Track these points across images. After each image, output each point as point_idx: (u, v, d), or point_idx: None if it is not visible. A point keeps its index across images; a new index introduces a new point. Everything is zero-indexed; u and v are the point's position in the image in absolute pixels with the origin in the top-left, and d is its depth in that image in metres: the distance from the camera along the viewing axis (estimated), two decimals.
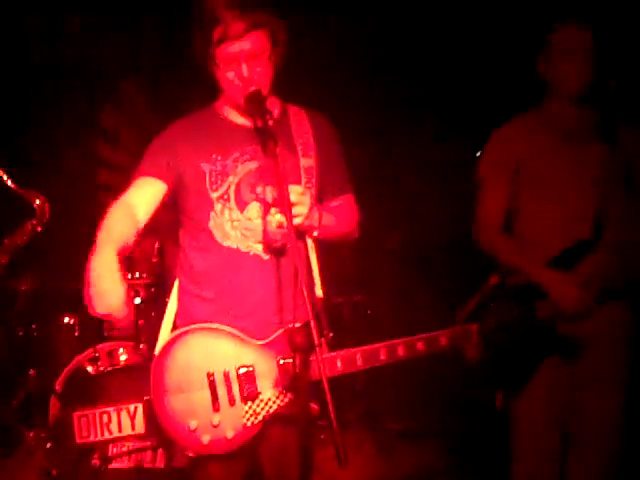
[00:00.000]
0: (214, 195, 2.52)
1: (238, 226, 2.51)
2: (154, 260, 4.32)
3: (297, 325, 2.42)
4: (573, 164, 3.12)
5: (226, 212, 2.51)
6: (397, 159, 5.09)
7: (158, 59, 5.39)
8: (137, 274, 4.21)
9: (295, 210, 2.34)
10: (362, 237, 2.88)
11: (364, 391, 4.53)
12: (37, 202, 3.19)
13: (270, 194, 2.43)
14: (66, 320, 4.26)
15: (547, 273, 2.98)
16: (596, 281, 2.95)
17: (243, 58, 2.41)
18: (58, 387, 3.74)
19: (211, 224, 2.52)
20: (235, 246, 2.52)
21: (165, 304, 3.86)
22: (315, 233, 2.53)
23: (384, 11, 5.08)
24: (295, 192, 2.36)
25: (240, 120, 2.57)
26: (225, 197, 2.51)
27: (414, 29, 5.13)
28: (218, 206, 2.51)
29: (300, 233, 2.45)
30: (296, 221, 2.34)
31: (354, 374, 2.56)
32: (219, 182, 2.52)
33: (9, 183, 3.14)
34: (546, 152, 3.13)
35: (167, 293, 3.97)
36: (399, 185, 5.15)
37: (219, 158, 2.53)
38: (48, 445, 3.60)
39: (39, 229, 3.21)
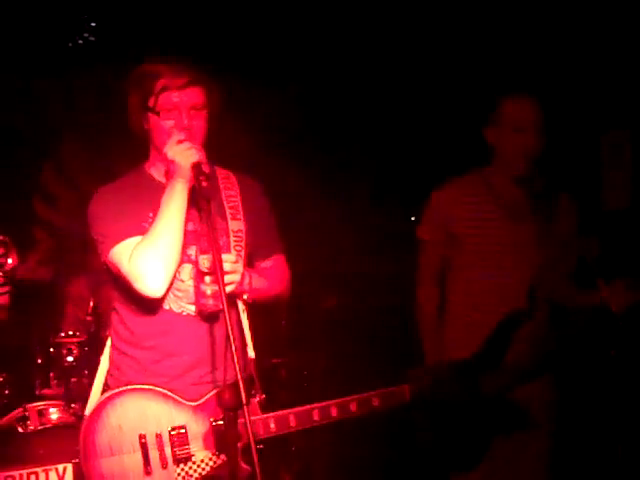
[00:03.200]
0: None
1: (171, 288, 2.51)
2: (88, 319, 4.28)
3: (227, 384, 2.43)
4: (510, 237, 3.24)
5: None
6: (333, 222, 5.15)
7: (93, 119, 5.40)
8: (70, 332, 4.15)
9: (228, 278, 2.39)
10: (297, 298, 2.92)
11: (300, 452, 4.51)
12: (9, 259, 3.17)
13: (204, 262, 2.45)
14: None
15: (428, 349, 3.32)
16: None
17: (183, 108, 2.51)
18: None
19: None
20: (168, 307, 2.53)
21: (98, 363, 3.85)
22: (245, 296, 2.57)
23: (317, 74, 5.21)
24: (228, 261, 2.42)
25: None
26: None
27: (350, 92, 5.26)
28: None
29: (232, 297, 2.48)
30: (229, 288, 2.39)
31: (289, 435, 2.58)
32: None
33: None
34: (484, 220, 3.26)
35: (100, 352, 4.00)
36: (334, 246, 5.21)
37: (153, 216, 2.52)
38: None
39: None
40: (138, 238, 2.47)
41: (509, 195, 3.28)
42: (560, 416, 3.32)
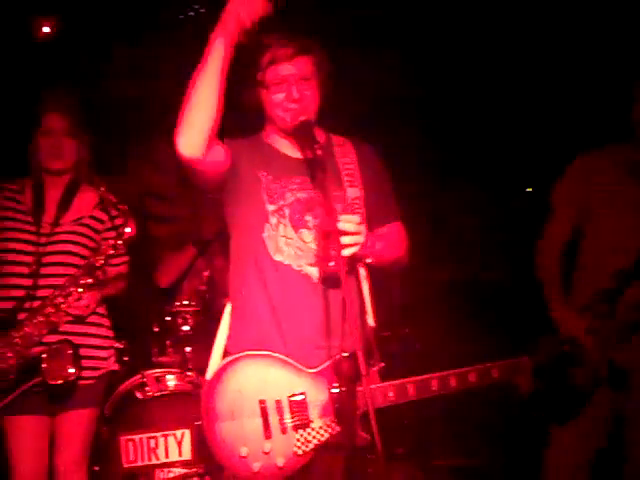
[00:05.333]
0: (270, 207, 2.54)
1: (292, 243, 2.52)
2: (202, 288, 4.34)
3: (345, 354, 2.42)
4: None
5: (281, 227, 2.52)
6: (447, 193, 5.07)
7: None
8: (185, 302, 4.22)
9: (353, 239, 2.36)
10: (410, 269, 2.87)
11: (413, 425, 4.48)
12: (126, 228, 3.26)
13: (326, 225, 2.43)
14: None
15: (561, 311, 3.20)
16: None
17: (292, 80, 2.49)
18: (107, 411, 3.75)
19: (265, 235, 2.53)
20: (287, 262, 2.52)
21: (213, 332, 3.90)
22: (368, 260, 2.53)
23: (437, 46, 5.09)
24: (353, 222, 2.38)
25: (288, 151, 2.59)
26: (280, 213, 2.53)
27: (470, 67, 5.13)
28: (273, 219, 2.53)
29: (354, 260, 2.46)
30: (353, 249, 2.36)
31: (402, 407, 2.55)
32: (274, 197, 2.54)
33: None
34: (614, 189, 3.23)
35: (215, 321, 4.05)
36: (448, 219, 5.13)
37: (271, 178, 2.55)
38: (95, 468, 3.61)
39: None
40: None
41: None
42: None
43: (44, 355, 3.08)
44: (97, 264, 3.22)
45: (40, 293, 3.20)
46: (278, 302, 2.52)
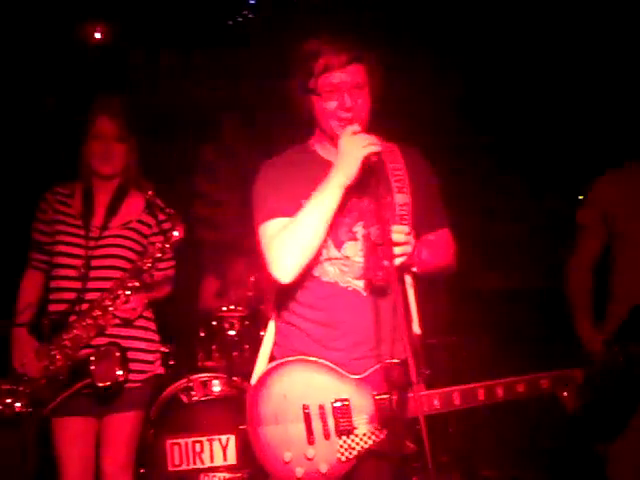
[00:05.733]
0: None
1: (336, 262, 2.50)
2: (249, 293, 4.36)
3: (394, 361, 2.42)
4: None
5: (324, 252, 2.50)
6: (497, 198, 5.02)
7: (255, 95, 5.49)
8: (232, 306, 4.24)
9: (401, 249, 2.35)
10: (457, 276, 2.84)
11: (458, 433, 4.43)
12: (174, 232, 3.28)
13: (375, 235, 2.42)
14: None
15: (585, 328, 3.27)
16: None
17: (345, 88, 2.46)
18: (152, 414, 3.78)
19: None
20: (333, 281, 2.52)
21: (259, 337, 3.91)
22: (414, 269, 2.51)
23: (482, 49, 5.05)
24: (402, 232, 2.36)
25: (335, 158, 2.53)
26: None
27: (515, 71, 5.07)
28: None
29: (401, 270, 2.44)
30: (401, 260, 2.35)
31: (447, 415, 2.52)
32: None
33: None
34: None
35: (261, 326, 4.06)
36: (497, 225, 5.08)
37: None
38: (141, 471, 3.64)
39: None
40: (288, 220, 2.46)
41: None
42: None
43: (92, 357, 3.11)
44: (144, 267, 3.24)
45: (89, 296, 3.22)
46: (324, 316, 2.52)
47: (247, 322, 4.17)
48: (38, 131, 5.16)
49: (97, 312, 3.18)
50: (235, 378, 3.95)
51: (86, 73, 5.19)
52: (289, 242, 2.40)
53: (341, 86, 2.45)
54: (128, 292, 3.21)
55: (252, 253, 4.48)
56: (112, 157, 3.37)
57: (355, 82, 2.46)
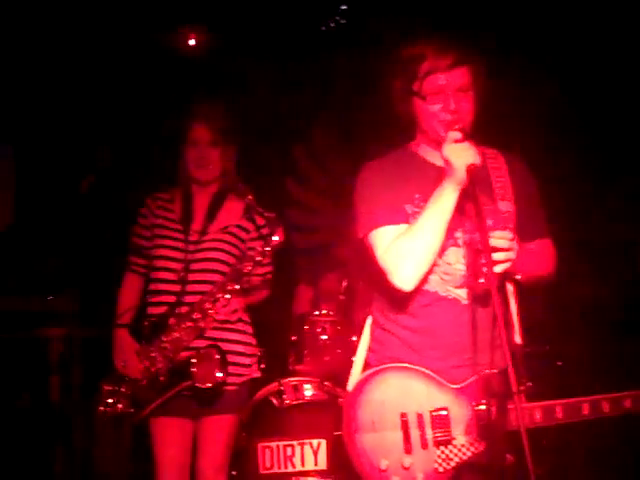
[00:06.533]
0: None
1: (437, 270, 2.47)
2: (341, 298, 4.35)
3: (494, 371, 2.38)
4: None
5: None
6: (595, 206, 4.88)
7: (348, 101, 5.49)
8: (324, 311, 4.23)
9: (505, 256, 2.31)
10: (553, 285, 2.78)
11: (552, 447, 4.32)
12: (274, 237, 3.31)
13: (478, 241, 2.38)
14: None
15: None
16: None
17: (450, 91, 2.44)
18: (243, 417, 3.81)
19: None
20: (433, 290, 2.49)
21: (351, 342, 3.89)
22: (518, 276, 2.47)
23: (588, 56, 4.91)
24: (505, 238, 2.33)
25: (438, 161, 2.50)
26: None
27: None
28: None
29: (504, 276, 2.40)
30: (505, 266, 2.31)
31: (542, 428, 2.46)
32: None
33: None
34: None
35: (353, 331, 4.05)
36: (594, 233, 4.94)
37: (419, 198, 2.50)
38: (233, 473, 3.67)
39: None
40: (399, 227, 2.44)
41: None
42: None
43: (193, 359, 3.16)
44: (245, 270, 3.28)
45: (187, 299, 3.27)
46: (423, 324, 2.50)
47: (339, 327, 4.15)
48: (135, 138, 5.29)
49: (197, 315, 3.22)
50: (327, 383, 3.94)
51: (181, 80, 5.29)
52: (410, 250, 2.39)
53: (446, 88, 2.43)
54: (228, 295, 3.25)
55: (345, 259, 4.55)
56: (208, 163, 3.42)
57: (460, 85, 2.44)
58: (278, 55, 5.44)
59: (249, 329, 3.46)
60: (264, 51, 5.38)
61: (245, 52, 5.41)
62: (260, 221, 3.42)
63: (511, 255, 2.33)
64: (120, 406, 3.20)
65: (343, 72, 5.49)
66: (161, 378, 3.19)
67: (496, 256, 2.29)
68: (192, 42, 5.55)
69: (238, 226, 3.44)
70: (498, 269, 2.29)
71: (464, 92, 2.45)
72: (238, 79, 5.43)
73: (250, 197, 3.33)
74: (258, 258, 3.28)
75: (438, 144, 2.45)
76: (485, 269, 2.30)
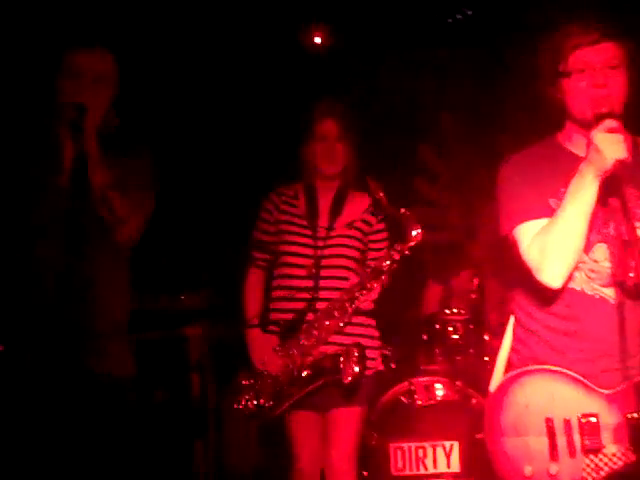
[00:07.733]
0: None
1: (583, 267, 2.35)
2: (473, 296, 4.25)
3: None
4: None
5: None
6: None
7: (476, 94, 5.38)
8: (455, 310, 4.15)
9: None
10: None
11: None
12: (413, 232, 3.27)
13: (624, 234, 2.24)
14: None
15: None
16: None
17: (597, 66, 2.31)
18: (372, 417, 3.77)
19: None
20: (579, 288, 2.36)
21: (483, 342, 3.79)
22: None
23: None
24: None
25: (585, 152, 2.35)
26: None
27: None
28: None
29: None
30: None
31: None
32: None
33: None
34: None
35: (485, 330, 3.95)
36: None
37: (564, 192, 2.34)
38: (364, 473, 3.64)
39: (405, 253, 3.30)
40: (543, 221, 2.33)
41: None
42: None
43: (340, 356, 3.16)
44: (384, 268, 3.26)
45: (322, 295, 3.31)
46: (568, 325, 2.38)
47: (471, 326, 4.05)
48: (258, 134, 5.33)
49: (336, 313, 3.24)
50: (458, 382, 3.86)
51: (307, 76, 5.31)
52: (555, 244, 2.27)
53: (592, 64, 2.30)
54: (364, 292, 3.26)
55: (476, 257, 4.45)
56: (336, 157, 3.44)
57: (607, 61, 2.30)
58: (405, 49, 5.39)
59: (373, 322, 3.46)
60: (391, 46, 5.34)
61: (372, 47, 5.38)
62: (381, 216, 3.45)
63: None
64: (259, 402, 3.24)
65: (468, 66, 5.39)
66: (303, 373, 3.22)
67: None
68: (318, 40, 5.56)
69: (363, 221, 3.46)
70: None
71: (613, 69, 2.30)
72: (365, 74, 5.42)
73: (381, 194, 3.30)
74: (397, 257, 3.26)
75: (588, 128, 2.29)
76: (634, 262, 2.16)
